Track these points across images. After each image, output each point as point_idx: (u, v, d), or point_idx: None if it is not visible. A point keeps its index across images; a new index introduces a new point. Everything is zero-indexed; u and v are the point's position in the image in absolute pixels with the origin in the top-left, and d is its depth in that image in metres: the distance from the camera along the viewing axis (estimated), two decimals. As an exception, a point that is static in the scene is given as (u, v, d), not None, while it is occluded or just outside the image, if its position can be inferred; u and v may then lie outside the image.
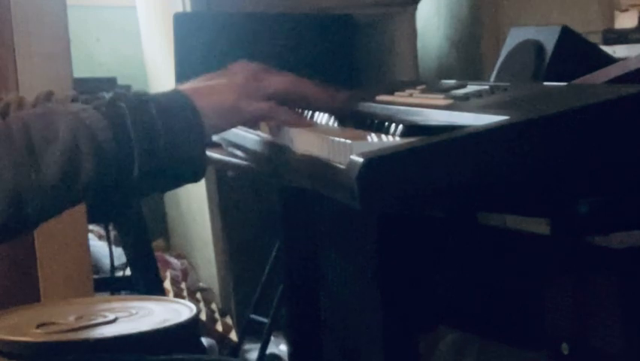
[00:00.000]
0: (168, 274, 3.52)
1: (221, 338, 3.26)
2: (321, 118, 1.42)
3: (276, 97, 1.33)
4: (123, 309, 1.68)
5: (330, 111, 1.40)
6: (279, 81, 1.34)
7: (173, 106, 1.26)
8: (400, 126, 1.13)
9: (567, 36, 1.64)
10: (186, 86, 1.32)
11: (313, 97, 1.36)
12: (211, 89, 1.31)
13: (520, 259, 1.30)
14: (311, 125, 1.36)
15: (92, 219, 2.68)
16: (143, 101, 1.26)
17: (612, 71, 1.39)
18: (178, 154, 1.25)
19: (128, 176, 1.24)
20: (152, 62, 3.91)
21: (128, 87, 2.98)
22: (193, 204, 3.63)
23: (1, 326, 1.61)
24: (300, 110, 1.44)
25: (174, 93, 1.29)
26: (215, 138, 1.63)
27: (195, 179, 1.30)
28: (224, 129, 1.33)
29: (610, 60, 1.61)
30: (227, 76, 1.35)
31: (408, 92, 1.42)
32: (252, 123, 1.43)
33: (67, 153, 1.21)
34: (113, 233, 2.98)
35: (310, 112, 1.45)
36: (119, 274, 3.13)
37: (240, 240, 3.42)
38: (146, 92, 1.37)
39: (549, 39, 1.64)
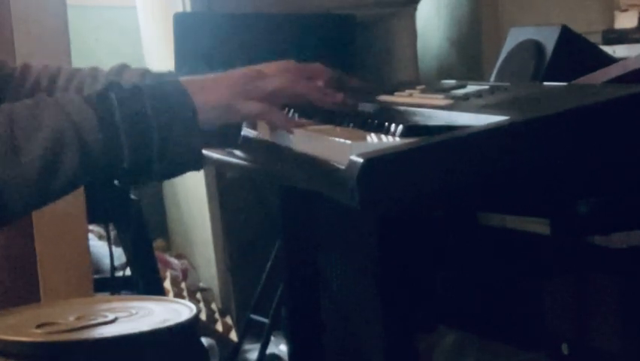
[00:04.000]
0: (168, 274, 3.52)
1: (221, 338, 3.26)
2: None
3: (273, 96, 1.33)
4: (123, 309, 1.68)
5: (330, 109, 1.40)
6: (277, 81, 1.34)
7: (169, 98, 1.27)
8: (400, 126, 1.13)
9: (567, 36, 1.64)
10: (186, 79, 1.32)
11: (312, 98, 1.37)
12: (209, 85, 1.32)
13: (520, 259, 1.30)
14: (303, 125, 1.35)
15: (92, 219, 2.68)
16: (136, 93, 1.26)
17: (612, 71, 1.39)
18: (171, 147, 1.25)
19: (117, 167, 1.25)
20: (152, 62, 3.91)
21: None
22: (193, 204, 3.62)
23: (1, 326, 1.61)
24: (290, 112, 1.44)
25: (172, 85, 1.29)
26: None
27: (192, 168, 1.30)
28: (216, 125, 1.33)
29: (610, 60, 1.61)
30: (227, 73, 1.35)
31: (408, 92, 1.42)
32: (245, 121, 1.44)
33: (48, 145, 1.21)
34: (113, 233, 2.98)
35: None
36: (119, 274, 3.13)
37: (240, 240, 3.42)
38: (146, 71, 1.37)
39: (549, 39, 1.64)
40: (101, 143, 1.23)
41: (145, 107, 1.25)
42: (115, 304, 1.73)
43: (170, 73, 1.52)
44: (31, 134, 1.22)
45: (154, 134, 1.24)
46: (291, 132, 1.32)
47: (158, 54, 3.74)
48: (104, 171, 1.26)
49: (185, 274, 3.62)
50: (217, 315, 3.40)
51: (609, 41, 3.12)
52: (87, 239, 2.55)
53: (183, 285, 3.53)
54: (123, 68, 1.51)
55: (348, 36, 2.94)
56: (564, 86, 1.26)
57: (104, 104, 1.25)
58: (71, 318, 1.63)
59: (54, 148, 1.22)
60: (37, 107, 1.25)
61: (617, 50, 2.86)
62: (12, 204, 1.23)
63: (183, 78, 1.32)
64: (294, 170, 1.29)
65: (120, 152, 1.24)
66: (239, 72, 1.35)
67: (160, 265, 3.18)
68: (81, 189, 2.44)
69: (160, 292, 2.83)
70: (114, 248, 2.99)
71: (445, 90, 1.36)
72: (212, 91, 1.31)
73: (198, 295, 3.51)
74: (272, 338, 3.01)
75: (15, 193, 1.22)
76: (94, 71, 1.52)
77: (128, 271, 2.93)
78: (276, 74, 1.36)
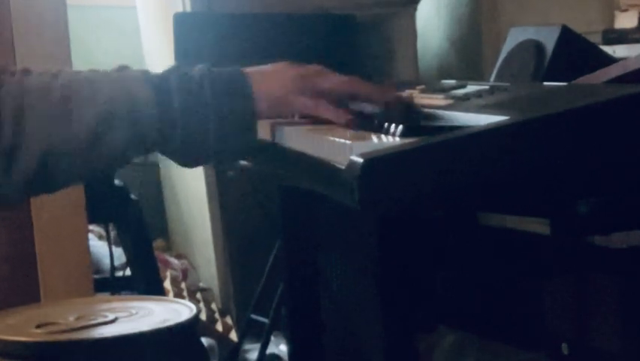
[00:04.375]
0: (168, 274, 3.52)
1: (221, 338, 3.25)
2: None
3: (328, 95, 1.35)
4: (123, 309, 1.68)
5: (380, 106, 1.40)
6: (335, 81, 1.36)
7: (230, 86, 1.30)
8: (400, 126, 1.13)
9: (567, 36, 1.64)
10: (248, 68, 1.35)
11: (366, 96, 1.37)
12: (268, 76, 1.34)
13: (520, 259, 1.30)
14: (349, 120, 1.35)
15: (92, 219, 2.68)
16: (197, 77, 1.29)
17: (612, 71, 1.39)
18: (227, 131, 1.28)
19: (170, 147, 1.28)
20: (152, 62, 3.91)
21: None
22: (193, 204, 3.62)
23: (1, 326, 1.61)
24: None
25: (235, 74, 1.32)
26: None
27: (246, 155, 1.35)
28: (269, 117, 1.36)
29: (610, 60, 1.61)
30: (285, 67, 1.37)
31: (408, 92, 1.42)
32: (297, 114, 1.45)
33: (101, 117, 1.25)
34: (113, 233, 2.98)
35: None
36: (119, 274, 3.13)
37: (240, 240, 3.42)
38: (210, 67, 1.40)
39: (549, 39, 1.64)
40: (155, 122, 1.27)
41: (204, 92, 1.28)
42: (115, 304, 1.73)
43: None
44: (86, 103, 1.25)
45: (210, 118, 1.28)
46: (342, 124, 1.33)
47: (158, 54, 3.74)
48: (156, 150, 1.30)
49: (185, 274, 3.62)
50: (217, 315, 3.40)
51: (609, 41, 3.12)
52: (87, 239, 2.55)
53: (183, 285, 3.53)
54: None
55: (348, 36, 2.94)
56: (564, 86, 1.26)
57: (164, 86, 1.28)
58: (71, 318, 1.63)
59: (106, 120, 1.25)
60: (97, 78, 1.28)
61: (617, 50, 2.86)
62: (59, 173, 1.26)
63: (247, 68, 1.34)
64: (294, 170, 1.29)
65: (174, 133, 1.27)
66: (297, 67, 1.37)
67: (160, 265, 3.18)
68: (81, 189, 2.45)
69: (160, 292, 2.83)
70: (114, 248, 2.99)
71: (445, 90, 1.36)
72: (270, 82, 1.33)
73: (198, 295, 3.51)
74: (272, 338, 3.01)
75: (62, 159, 1.24)
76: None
77: (128, 271, 2.93)
78: (332, 74, 1.38)
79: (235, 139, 1.30)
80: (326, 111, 1.35)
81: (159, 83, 1.28)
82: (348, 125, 1.32)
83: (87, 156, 1.26)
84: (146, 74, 1.31)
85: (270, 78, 1.34)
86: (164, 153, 1.31)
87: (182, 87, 1.28)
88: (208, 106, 1.28)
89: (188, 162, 1.33)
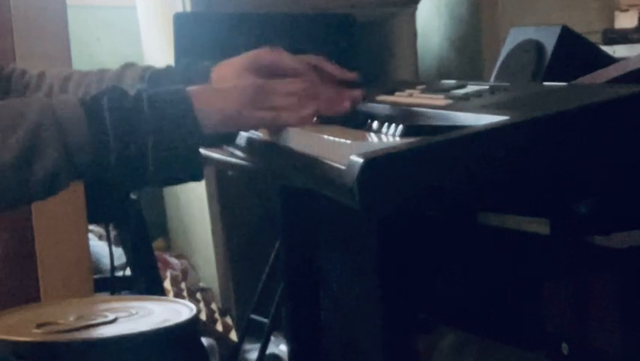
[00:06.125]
0: (168, 274, 3.52)
1: (221, 338, 3.25)
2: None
3: (283, 104, 1.33)
4: (123, 309, 1.68)
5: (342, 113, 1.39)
6: (291, 88, 1.34)
7: (169, 106, 1.26)
8: (400, 126, 1.13)
9: (567, 36, 1.65)
10: (194, 88, 1.31)
11: (325, 102, 1.35)
12: (216, 93, 1.31)
13: (520, 259, 1.30)
14: (312, 123, 1.35)
15: (92, 219, 2.68)
16: (134, 99, 1.26)
17: (612, 71, 1.39)
18: (166, 154, 1.24)
19: (105, 169, 1.24)
20: (152, 62, 3.91)
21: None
22: (193, 204, 3.63)
23: (1, 326, 1.61)
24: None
25: (176, 93, 1.29)
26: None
27: (191, 178, 1.29)
28: (225, 134, 1.34)
29: (610, 60, 1.61)
30: (237, 80, 1.35)
31: (408, 92, 1.42)
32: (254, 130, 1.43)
33: (27, 140, 1.21)
34: (113, 233, 2.98)
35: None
36: (119, 274, 3.13)
37: (240, 240, 3.42)
38: (148, 67, 1.36)
39: (549, 39, 1.64)
40: (86, 144, 1.23)
41: (140, 113, 1.24)
42: (115, 304, 1.73)
43: (168, 67, 1.51)
44: (12, 129, 1.22)
45: (148, 140, 1.23)
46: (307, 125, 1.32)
47: (158, 54, 3.74)
48: (90, 172, 1.25)
49: (185, 274, 3.62)
50: (217, 315, 3.40)
51: (609, 41, 3.12)
52: (87, 239, 2.55)
53: (183, 285, 3.53)
54: (126, 67, 1.51)
55: (348, 36, 2.93)
56: (564, 86, 1.26)
57: (95, 106, 1.25)
58: (71, 318, 1.63)
59: (32, 143, 1.22)
60: (26, 104, 1.26)
61: (617, 50, 2.86)
62: None
63: (191, 87, 1.30)
64: (294, 170, 1.29)
65: (107, 155, 1.23)
66: (249, 81, 1.34)
67: (160, 265, 3.18)
68: (81, 189, 2.45)
69: (160, 292, 2.83)
70: (114, 248, 2.99)
71: (445, 90, 1.36)
72: (218, 101, 1.29)
73: (198, 295, 3.51)
74: (272, 338, 3.01)
75: None
76: (100, 74, 1.52)
77: (128, 271, 2.93)
78: (284, 87, 1.35)
79: (177, 162, 1.25)
80: (288, 120, 1.32)
81: (91, 104, 1.25)
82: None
83: (17, 182, 1.22)
84: (82, 97, 1.28)
85: (218, 95, 1.30)
86: (102, 176, 1.26)
87: (115, 107, 1.24)
88: (143, 126, 1.23)
89: (128, 185, 1.30)
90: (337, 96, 1.38)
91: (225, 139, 1.46)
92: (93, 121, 1.23)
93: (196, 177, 1.29)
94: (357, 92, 1.40)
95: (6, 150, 1.21)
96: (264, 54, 1.44)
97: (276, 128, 1.36)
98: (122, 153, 1.23)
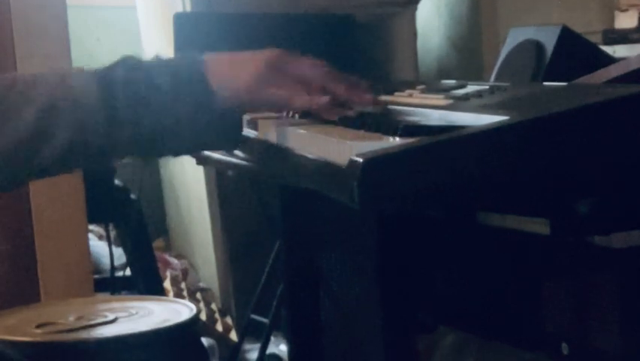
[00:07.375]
0: (168, 274, 3.52)
1: (221, 338, 3.25)
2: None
3: (299, 83, 1.28)
4: (123, 309, 1.68)
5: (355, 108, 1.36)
6: (308, 68, 1.30)
7: (184, 75, 1.25)
8: (400, 126, 1.13)
9: (567, 36, 1.65)
10: (211, 56, 1.29)
11: (341, 98, 1.30)
12: (232, 64, 1.29)
13: (520, 259, 1.30)
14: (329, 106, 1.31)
15: (91, 219, 2.68)
16: (145, 69, 1.25)
17: (612, 71, 1.39)
18: (182, 124, 1.23)
19: (118, 141, 1.23)
20: (152, 62, 3.90)
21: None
22: (193, 204, 3.62)
23: (1, 326, 1.61)
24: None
25: (192, 61, 1.28)
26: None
27: (222, 147, 1.29)
28: (239, 106, 1.29)
29: (610, 60, 1.61)
30: (254, 56, 1.30)
31: (408, 92, 1.42)
32: (268, 108, 1.37)
33: (41, 113, 1.21)
34: (113, 233, 2.98)
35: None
36: (119, 274, 3.13)
37: (240, 240, 3.42)
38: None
39: (549, 39, 1.64)
40: (100, 117, 1.22)
41: (153, 84, 1.23)
42: (115, 304, 1.73)
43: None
44: (27, 101, 1.21)
45: (161, 112, 1.22)
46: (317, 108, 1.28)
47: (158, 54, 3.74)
48: (104, 146, 1.24)
49: (185, 274, 3.62)
50: (217, 315, 3.40)
51: (609, 41, 3.12)
52: (87, 239, 2.55)
53: (183, 285, 3.53)
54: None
55: (348, 36, 2.93)
56: (564, 86, 1.26)
57: (108, 79, 1.23)
58: (71, 318, 1.63)
59: (47, 116, 1.21)
60: (42, 76, 1.25)
61: (617, 50, 2.86)
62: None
63: (208, 55, 1.28)
64: (294, 170, 1.29)
65: (120, 127, 1.22)
66: (267, 54, 1.30)
67: (160, 265, 3.18)
68: (81, 189, 2.45)
69: (160, 292, 2.83)
70: (114, 248, 2.99)
71: (445, 90, 1.36)
72: (233, 71, 1.27)
73: (198, 295, 3.51)
74: (272, 338, 3.01)
75: (1, 158, 1.20)
76: None
77: (128, 271, 2.93)
78: (304, 61, 1.31)
79: (195, 131, 1.23)
80: (301, 101, 1.27)
81: (104, 77, 1.23)
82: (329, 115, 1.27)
83: (29, 155, 1.21)
84: (95, 70, 1.26)
85: (233, 66, 1.28)
86: (115, 148, 1.24)
87: (129, 80, 1.23)
88: (154, 98, 1.22)
89: (149, 154, 1.29)
90: (358, 89, 1.35)
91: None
92: (105, 95, 1.22)
93: (231, 146, 1.28)
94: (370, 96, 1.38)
95: (19, 122, 1.20)
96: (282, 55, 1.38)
97: (291, 108, 1.33)
98: (136, 127, 1.22)
